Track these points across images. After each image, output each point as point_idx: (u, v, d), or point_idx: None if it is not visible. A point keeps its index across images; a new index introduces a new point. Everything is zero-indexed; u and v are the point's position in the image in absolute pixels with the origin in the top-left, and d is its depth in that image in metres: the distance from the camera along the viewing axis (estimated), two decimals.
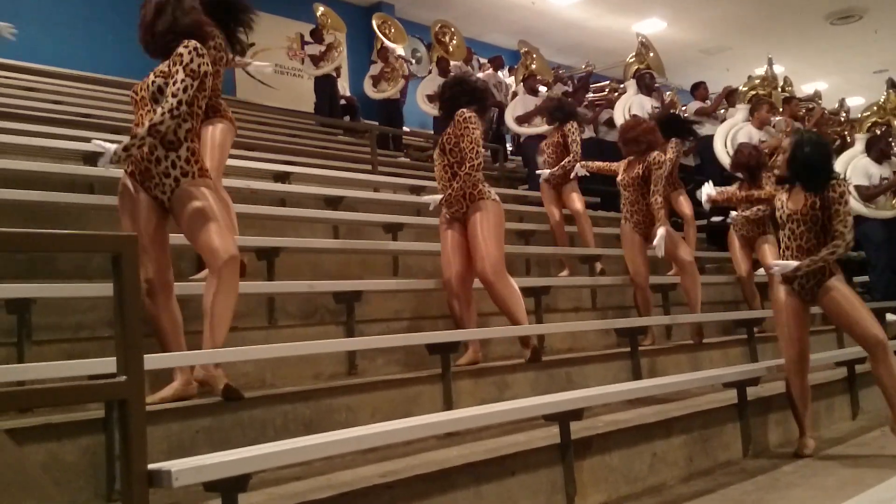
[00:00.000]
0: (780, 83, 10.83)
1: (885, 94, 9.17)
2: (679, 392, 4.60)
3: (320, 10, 11.71)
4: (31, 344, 3.50)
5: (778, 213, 4.40)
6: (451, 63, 11.26)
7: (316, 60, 11.76)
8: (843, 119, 10.48)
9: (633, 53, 10.36)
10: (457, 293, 4.82)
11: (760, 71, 10.52)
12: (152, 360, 2.88)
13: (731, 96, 10.00)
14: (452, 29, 11.34)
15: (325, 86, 11.91)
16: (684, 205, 7.55)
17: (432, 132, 11.66)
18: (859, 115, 9.35)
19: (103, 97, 9.28)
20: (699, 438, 4.18)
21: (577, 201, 7.28)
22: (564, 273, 6.97)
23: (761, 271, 6.95)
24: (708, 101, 10.18)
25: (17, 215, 4.51)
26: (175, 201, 3.44)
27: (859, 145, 8.15)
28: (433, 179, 8.87)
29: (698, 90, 10.38)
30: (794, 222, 4.28)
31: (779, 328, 4.41)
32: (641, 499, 3.68)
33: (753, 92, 9.36)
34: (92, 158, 5.89)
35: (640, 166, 5.86)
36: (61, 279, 4.03)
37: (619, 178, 6.06)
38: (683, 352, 5.84)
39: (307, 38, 12.61)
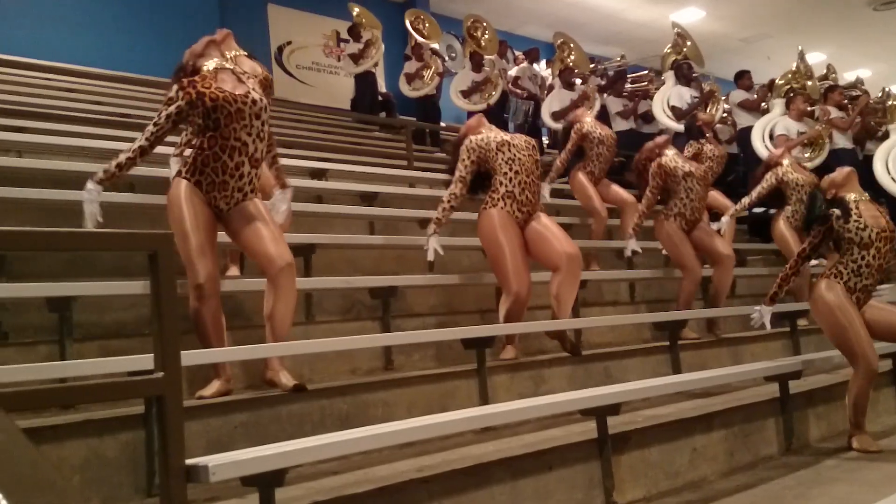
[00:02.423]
0: (824, 71, 10.65)
1: None
2: (720, 386, 4.54)
3: (355, 10, 11.74)
4: (73, 341, 3.55)
5: (862, 233, 4.13)
6: (485, 57, 11.22)
7: (356, 58, 11.80)
8: (887, 108, 10.27)
9: (670, 44, 10.24)
10: (526, 305, 4.66)
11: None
12: (189, 357, 2.91)
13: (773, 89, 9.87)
14: (484, 23, 11.27)
15: (365, 82, 11.95)
16: (719, 198, 7.44)
17: None
18: (888, 105, 9.18)
19: (142, 97, 9.39)
20: (740, 433, 4.12)
21: (622, 192, 7.16)
22: (594, 267, 6.88)
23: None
24: (753, 95, 9.97)
25: (59, 215, 4.58)
26: (235, 211, 3.58)
27: (895, 135, 8.06)
28: None
29: (742, 80, 10.20)
30: (882, 241, 4.13)
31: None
32: (681, 494, 3.63)
33: (788, 86, 9.27)
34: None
35: (705, 160, 5.85)
36: (101, 277, 4.09)
37: (690, 170, 5.88)
38: (724, 345, 5.76)
39: (343, 35, 12.65)
